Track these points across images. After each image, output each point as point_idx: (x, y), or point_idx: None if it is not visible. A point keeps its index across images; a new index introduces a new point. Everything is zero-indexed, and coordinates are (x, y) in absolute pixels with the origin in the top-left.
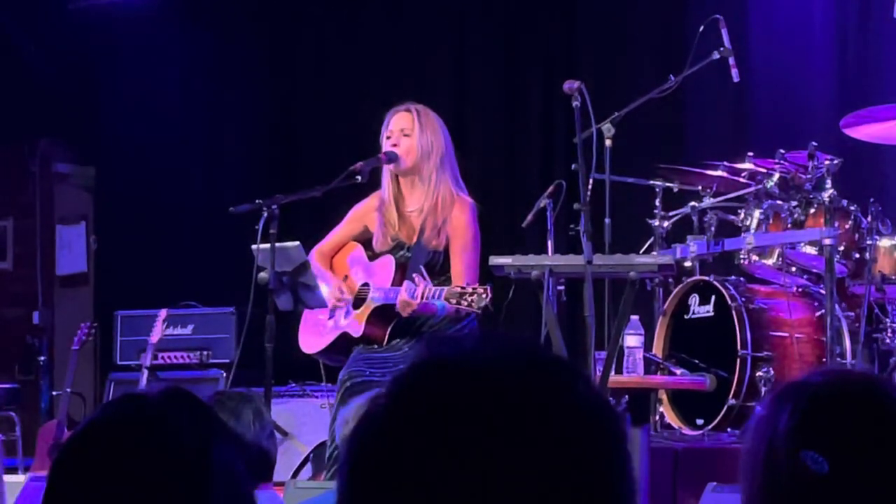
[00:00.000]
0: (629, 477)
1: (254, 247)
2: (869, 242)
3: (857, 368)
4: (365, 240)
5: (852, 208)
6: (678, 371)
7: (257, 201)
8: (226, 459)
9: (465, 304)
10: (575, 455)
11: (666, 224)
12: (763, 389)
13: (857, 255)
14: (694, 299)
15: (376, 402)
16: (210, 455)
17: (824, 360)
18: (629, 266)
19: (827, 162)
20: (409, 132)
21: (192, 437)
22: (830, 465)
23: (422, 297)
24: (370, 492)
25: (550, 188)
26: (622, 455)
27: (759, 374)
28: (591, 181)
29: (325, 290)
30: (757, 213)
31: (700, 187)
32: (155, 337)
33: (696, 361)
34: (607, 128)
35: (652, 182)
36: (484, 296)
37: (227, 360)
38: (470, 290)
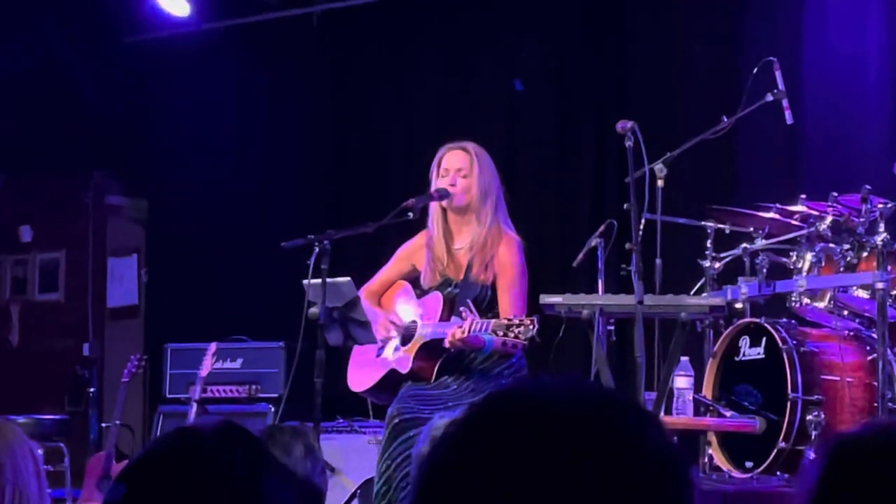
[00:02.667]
0: None
1: (305, 282)
2: None
3: None
4: (413, 278)
5: None
6: (728, 413)
7: (309, 236)
8: (277, 494)
9: (513, 335)
10: (641, 500)
11: (717, 265)
12: (813, 433)
13: None
14: (745, 341)
15: (450, 427)
16: (262, 490)
17: (875, 404)
18: (680, 307)
19: (880, 205)
20: (466, 173)
21: (245, 471)
22: None
23: (469, 331)
24: None
25: (602, 228)
26: (686, 501)
27: (809, 417)
28: (642, 221)
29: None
30: (809, 256)
31: (752, 229)
32: (204, 370)
33: (746, 404)
34: (659, 168)
35: (703, 223)
36: (531, 327)
37: (276, 395)
38: (517, 321)
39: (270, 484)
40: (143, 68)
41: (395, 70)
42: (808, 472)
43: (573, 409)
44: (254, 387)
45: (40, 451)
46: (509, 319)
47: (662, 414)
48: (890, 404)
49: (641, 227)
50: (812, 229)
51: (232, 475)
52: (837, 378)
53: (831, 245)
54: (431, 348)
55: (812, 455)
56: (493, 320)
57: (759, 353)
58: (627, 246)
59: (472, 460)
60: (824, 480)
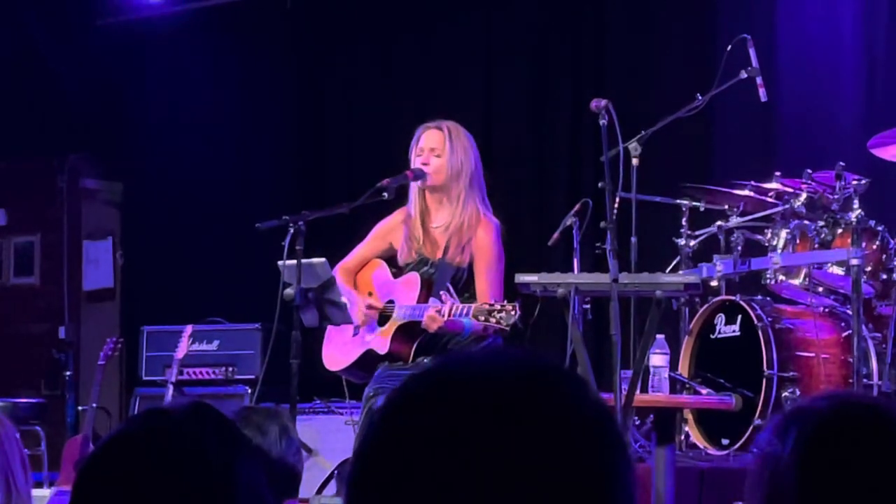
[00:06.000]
0: (627, 484)
1: (280, 263)
2: None
3: (861, 393)
4: (389, 257)
5: (880, 228)
6: (704, 391)
7: (284, 217)
8: (250, 475)
9: (494, 320)
10: (570, 462)
11: (692, 243)
12: None
13: (885, 276)
14: (720, 319)
15: (375, 415)
16: (234, 471)
17: (850, 381)
18: (655, 285)
19: (854, 182)
20: (439, 152)
21: (217, 452)
22: (836, 492)
23: (449, 315)
24: (370, 497)
25: (577, 206)
26: (619, 462)
27: (785, 394)
28: (617, 200)
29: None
30: (784, 233)
31: (727, 207)
32: (181, 352)
33: (722, 381)
34: (634, 146)
35: (678, 201)
36: (513, 313)
37: (253, 377)
38: (498, 307)
39: (242, 464)
40: (116, 51)
41: (369, 50)
42: (773, 449)
43: (491, 375)
44: (230, 369)
45: (17, 435)
46: (491, 305)
47: (638, 392)
48: (865, 380)
49: (616, 205)
50: (787, 206)
51: (203, 456)
52: (813, 355)
53: (806, 222)
54: (409, 329)
55: (770, 432)
56: (474, 305)
57: (734, 331)
58: (602, 224)
59: (397, 446)
60: (803, 458)
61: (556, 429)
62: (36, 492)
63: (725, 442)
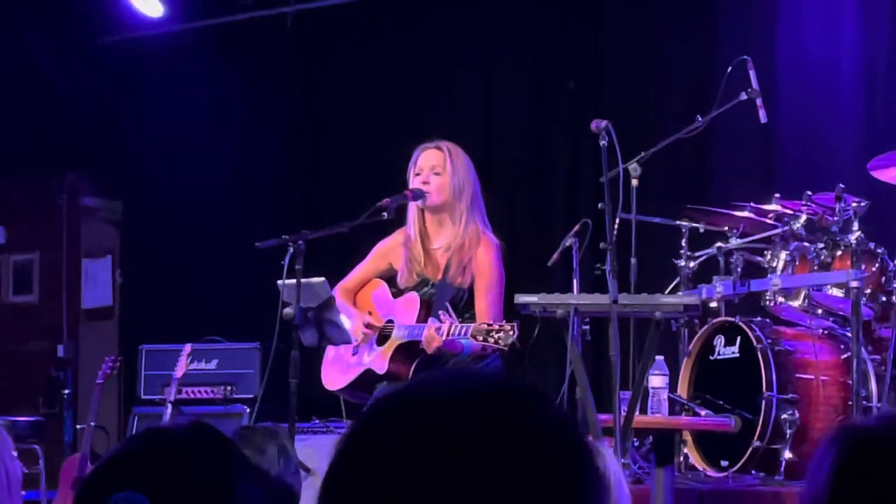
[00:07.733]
0: (596, 494)
1: (279, 282)
2: None
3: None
4: (389, 277)
5: (879, 251)
6: (703, 412)
7: (283, 237)
8: (249, 495)
9: (492, 340)
10: (533, 478)
11: (692, 264)
12: (788, 432)
13: (884, 298)
14: (719, 340)
15: (339, 444)
16: (233, 490)
17: (850, 403)
18: (654, 306)
19: (854, 204)
20: (440, 170)
21: (215, 472)
22: None
23: (448, 334)
24: None
25: (576, 227)
26: (586, 474)
27: (784, 416)
28: (617, 221)
29: (348, 324)
30: (783, 255)
31: (726, 228)
32: (179, 371)
33: (721, 403)
34: (634, 167)
35: (678, 222)
36: (511, 333)
37: (252, 396)
38: (497, 326)
39: (241, 484)
40: (117, 69)
41: (369, 70)
42: (818, 466)
43: (453, 403)
44: (229, 388)
45: (15, 453)
46: (489, 325)
47: (637, 413)
48: (864, 402)
49: (616, 226)
50: (786, 228)
51: (202, 475)
52: (812, 377)
53: (805, 244)
54: (408, 349)
55: (819, 450)
56: (473, 325)
57: (733, 352)
58: (602, 245)
59: (357, 473)
60: (840, 474)
61: (515, 449)
62: None
63: (724, 464)
